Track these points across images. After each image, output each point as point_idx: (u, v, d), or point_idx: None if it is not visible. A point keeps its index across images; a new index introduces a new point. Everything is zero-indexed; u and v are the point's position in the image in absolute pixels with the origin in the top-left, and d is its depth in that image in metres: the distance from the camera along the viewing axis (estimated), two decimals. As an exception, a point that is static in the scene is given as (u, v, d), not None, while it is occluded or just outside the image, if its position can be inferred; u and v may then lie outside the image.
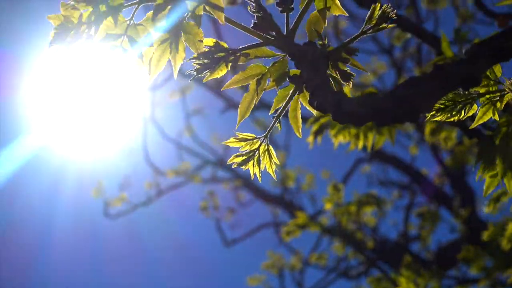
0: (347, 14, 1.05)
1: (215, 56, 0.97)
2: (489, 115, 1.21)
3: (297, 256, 5.72)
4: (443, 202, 5.75)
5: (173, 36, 0.89)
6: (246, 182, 6.74)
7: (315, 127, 1.88)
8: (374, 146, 1.91)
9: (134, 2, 0.84)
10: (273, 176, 0.99)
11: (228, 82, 1.00)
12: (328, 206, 3.64)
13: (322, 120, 1.83)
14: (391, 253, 5.41)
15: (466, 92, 1.16)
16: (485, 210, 2.13)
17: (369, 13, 0.94)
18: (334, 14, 1.04)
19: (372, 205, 3.76)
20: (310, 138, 1.89)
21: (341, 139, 1.83)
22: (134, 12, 0.84)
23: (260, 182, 1.07)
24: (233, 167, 0.98)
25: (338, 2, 1.03)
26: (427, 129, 2.49)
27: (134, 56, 0.89)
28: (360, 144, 1.84)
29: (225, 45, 0.98)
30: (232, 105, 6.32)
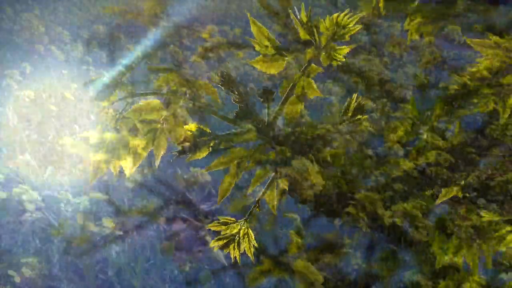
0: (322, 96, 1.11)
1: (197, 140, 1.01)
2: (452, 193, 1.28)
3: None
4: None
5: (158, 129, 0.93)
6: (209, 221, 6.72)
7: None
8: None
9: (125, 96, 0.87)
10: (251, 259, 1.02)
11: (211, 164, 1.03)
12: (293, 252, 3.66)
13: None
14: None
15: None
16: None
17: (345, 105, 0.99)
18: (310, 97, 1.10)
19: (334, 249, 3.80)
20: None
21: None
22: (125, 107, 0.88)
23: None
24: (214, 250, 1.01)
25: (314, 85, 1.08)
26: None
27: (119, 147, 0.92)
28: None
29: (208, 130, 1.01)
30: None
